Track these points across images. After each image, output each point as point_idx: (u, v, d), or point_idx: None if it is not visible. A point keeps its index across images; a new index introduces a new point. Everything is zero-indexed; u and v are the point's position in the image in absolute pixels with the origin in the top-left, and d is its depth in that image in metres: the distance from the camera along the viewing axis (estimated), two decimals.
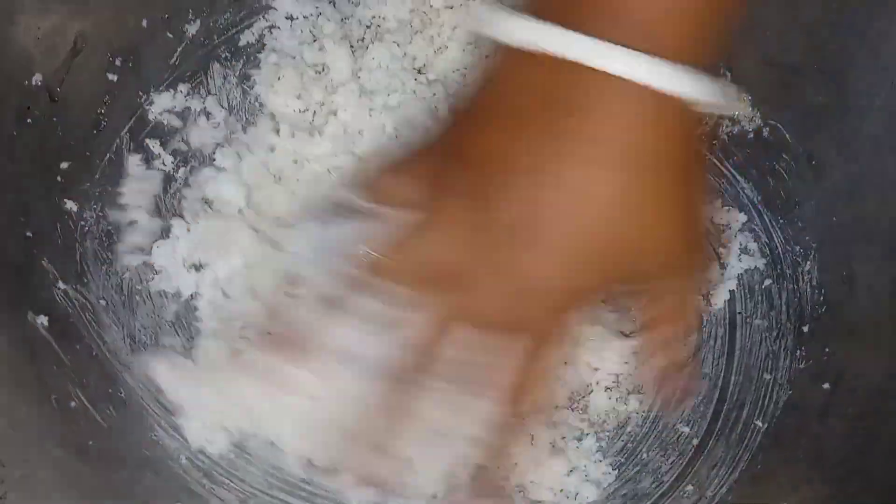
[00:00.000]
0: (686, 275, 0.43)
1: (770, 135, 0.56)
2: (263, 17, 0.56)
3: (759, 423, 0.51)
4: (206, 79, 0.55)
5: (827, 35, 0.52)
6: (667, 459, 0.51)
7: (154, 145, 0.53)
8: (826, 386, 0.49)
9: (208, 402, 0.45)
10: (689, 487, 0.50)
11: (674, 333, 0.44)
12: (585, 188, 0.36)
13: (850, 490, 0.44)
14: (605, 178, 0.36)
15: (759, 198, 0.56)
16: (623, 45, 0.34)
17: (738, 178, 0.56)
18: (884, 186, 0.51)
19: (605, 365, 0.50)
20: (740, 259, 0.55)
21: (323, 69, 0.54)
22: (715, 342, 0.53)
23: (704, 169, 0.48)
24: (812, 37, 0.53)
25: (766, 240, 0.55)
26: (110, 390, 0.47)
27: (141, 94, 0.54)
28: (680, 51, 0.35)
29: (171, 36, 0.55)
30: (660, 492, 0.50)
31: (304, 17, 0.55)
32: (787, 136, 0.56)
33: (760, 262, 0.55)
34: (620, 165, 0.36)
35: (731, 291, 0.54)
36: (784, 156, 0.56)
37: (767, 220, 0.55)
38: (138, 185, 0.52)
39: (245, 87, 0.56)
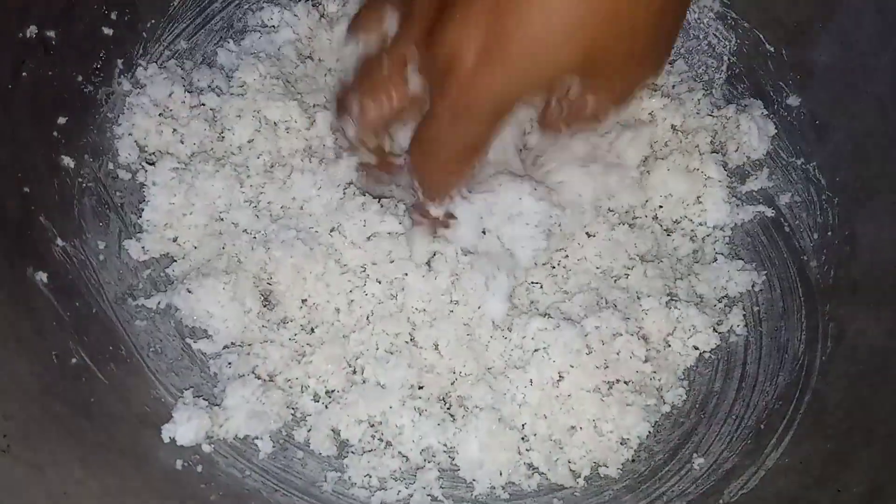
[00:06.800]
0: (645, 70, 0.42)
1: (773, 94, 0.56)
2: None
3: (762, 380, 0.51)
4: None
5: None
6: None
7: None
8: (828, 344, 0.49)
9: None
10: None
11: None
12: None
13: (851, 446, 0.45)
14: None
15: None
16: None
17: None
18: (887, 146, 0.50)
19: None
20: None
21: None
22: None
23: None
24: None
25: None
26: (111, 347, 0.47)
27: (137, 48, 0.53)
28: None
29: None
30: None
31: None
32: (790, 95, 0.55)
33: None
34: None
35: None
36: (787, 116, 0.55)
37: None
38: None
39: None
